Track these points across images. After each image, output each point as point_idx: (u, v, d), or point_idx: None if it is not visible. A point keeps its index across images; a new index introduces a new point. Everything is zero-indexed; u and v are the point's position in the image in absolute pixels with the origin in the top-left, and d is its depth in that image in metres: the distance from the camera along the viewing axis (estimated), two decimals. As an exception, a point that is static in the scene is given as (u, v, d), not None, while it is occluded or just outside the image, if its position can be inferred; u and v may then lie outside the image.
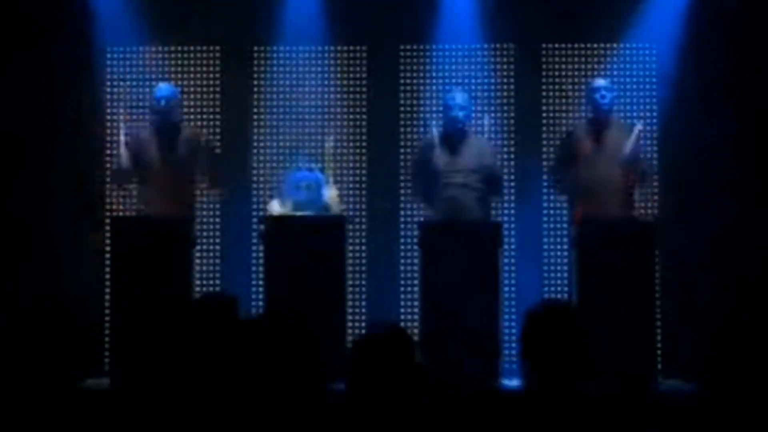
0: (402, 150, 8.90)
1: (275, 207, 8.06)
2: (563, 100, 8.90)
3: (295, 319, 3.18)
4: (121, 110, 8.52)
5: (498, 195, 8.22)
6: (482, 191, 8.00)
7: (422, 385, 3.23)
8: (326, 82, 8.90)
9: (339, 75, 8.95)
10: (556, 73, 8.95)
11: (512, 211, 8.83)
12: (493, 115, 8.82)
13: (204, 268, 8.76)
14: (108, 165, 8.77)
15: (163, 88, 8.13)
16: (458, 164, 7.97)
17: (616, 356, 7.15)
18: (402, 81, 9.00)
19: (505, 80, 8.98)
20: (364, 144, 8.96)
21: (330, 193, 8.03)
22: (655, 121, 8.86)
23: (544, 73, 8.96)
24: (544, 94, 8.95)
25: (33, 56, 8.73)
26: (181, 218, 7.80)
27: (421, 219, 8.18)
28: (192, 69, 8.98)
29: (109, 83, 8.92)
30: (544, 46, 8.96)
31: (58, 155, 8.77)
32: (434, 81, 8.92)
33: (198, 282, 8.32)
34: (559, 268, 8.79)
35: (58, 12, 8.77)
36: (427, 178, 8.01)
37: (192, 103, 8.91)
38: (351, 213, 8.75)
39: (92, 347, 8.09)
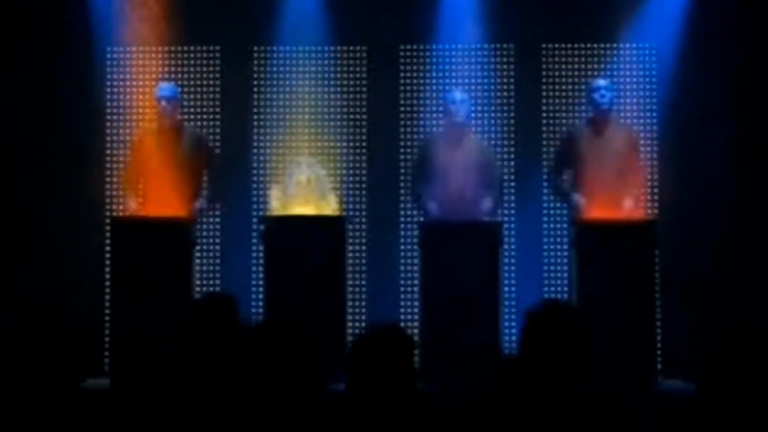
0: (402, 150, 8.90)
1: (275, 195, 8.05)
2: (563, 100, 8.90)
3: (294, 319, 3.18)
4: None
5: (497, 195, 8.19)
6: (481, 189, 8.01)
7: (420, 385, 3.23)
8: (326, 82, 8.89)
9: (339, 75, 8.94)
10: (556, 73, 8.94)
11: (512, 211, 8.83)
12: (493, 115, 8.86)
13: (204, 268, 8.76)
14: (108, 165, 8.80)
15: (164, 88, 8.13)
16: (458, 161, 7.98)
17: (616, 356, 7.15)
18: (402, 81, 9.00)
19: (505, 80, 8.98)
20: (364, 144, 8.96)
21: (329, 200, 8.05)
22: (655, 121, 8.87)
23: (544, 73, 8.96)
24: (544, 94, 8.95)
25: (33, 56, 8.72)
26: (182, 218, 7.80)
27: (421, 219, 8.18)
28: (192, 69, 8.98)
29: (109, 83, 8.92)
30: (544, 46, 8.96)
31: (58, 155, 8.77)
32: (434, 81, 8.92)
33: (198, 282, 8.32)
34: (559, 268, 8.79)
35: (58, 12, 8.77)
36: (427, 175, 8.02)
37: (192, 103, 8.91)
38: (351, 213, 8.75)
39: (92, 347, 8.09)
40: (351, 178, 8.90)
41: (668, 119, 8.83)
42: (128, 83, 8.87)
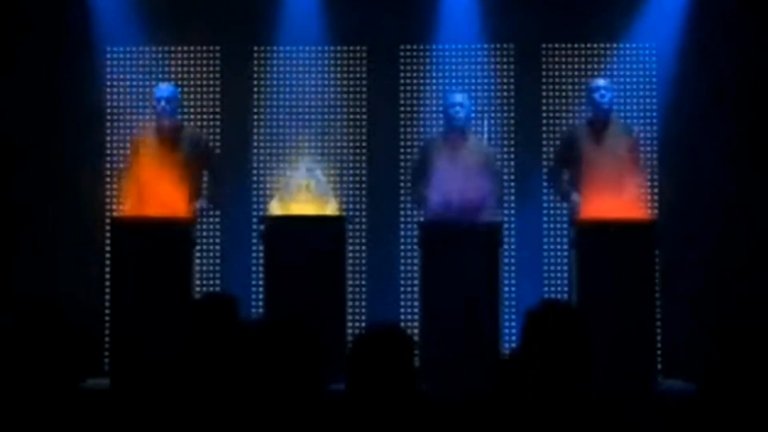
0: (402, 150, 8.90)
1: (275, 207, 8.07)
2: (563, 100, 8.90)
3: (294, 319, 3.18)
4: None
5: (498, 196, 8.17)
6: (482, 190, 8.01)
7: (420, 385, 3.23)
8: (326, 82, 8.90)
9: (339, 75, 8.94)
10: (556, 73, 8.94)
11: (512, 211, 8.83)
12: (493, 115, 8.87)
13: (204, 268, 8.76)
14: (108, 165, 8.81)
15: (164, 88, 8.13)
16: (458, 163, 7.97)
17: (616, 356, 7.14)
18: (402, 81, 9.00)
19: (505, 80, 8.98)
20: (364, 144, 8.96)
21: (329, 204, 8.05)
22: (655, 121, 8.87)
23: (544, 73, 8.96)
24: (544, 94, 8.95)
25: (33, 56, 8.73)
26: (182, 218, 7.80)
27: (421, 219, 8.18)
28: (192, 69, 8.98)
29: (109, 83, 8.92)
30: (544, 46, 8.96)
31: (58, 155, 8.77)
32: (434, 81, 8.92)
33: (198, 282, 8.32)
34: (559, 268, 8.79)
35: (58, 12, 8.77)
36: (427, 177, 8.02)
37: (192, 103, 8.91)
38: (351, 213, 8.75)
39: (92, 347, 8.09)
40: (351, 179, 8.90)
41: (668, 119, 8.82)
42: (128, 83, 8.87)
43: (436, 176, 7.96)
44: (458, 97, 8.10)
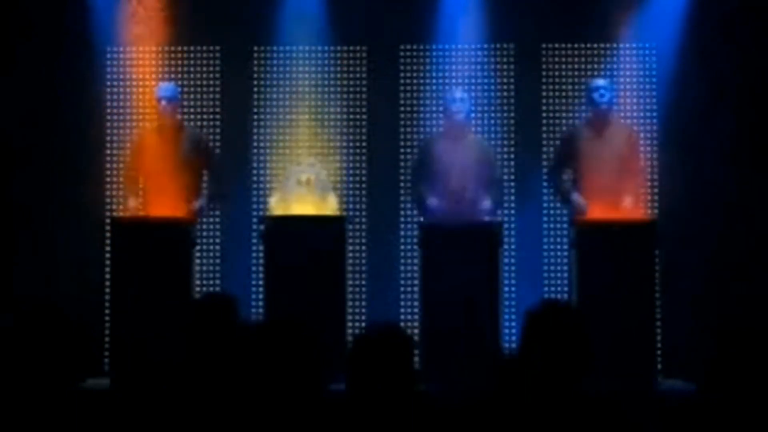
0: (402, 150, 8.90)
1: (275, 204, 8.07)
2: (563, 100, 8.90)
3: (294, 319, 3.18)
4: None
5: (497, 195, 8.17)
6: (481, 189, 8.01)
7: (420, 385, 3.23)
8: (326, 82, 8.89)
9: (339, 75, 8.94)
10: (556, 73, 8.94)
11: (512, 211, 8.83)
12: (493, 115, 8.87)
13: (204, 268, 8.76)
14: (108, 165, 8.81)
15: (165, 87, 8.13)
16: (458, 160, 7.97)
17: (616, 356, 7.15)
18: (402, 81, 9.00)
19: (505, 80, 8.98)
20: (364, 144, 8.96)
21: (329, 200, 8.05)
22: (655, 121, 8.87)
23: (544, 73, 8.96)
24: (544, 94, 8.95)
25: (33, 56, 8.72)
26: (182, 218, 7.80)
27: (421, 219, 8.18)
28: (192, 69, 8.98)
29: (109, 83, 8.92)
30: (544, 46, 8.96)
31: (58, 155, 8.77)
32: (434, 81, 8.92)
33: (198, 282, 8.33)
34: (559, 268, 8.79)
35: (58, 12, 8.77)
36: (427, 175, 8.02)
37: (192, 103, 8.91)
38: (351, 213, 8.75)
39: (92, 347, 8.09)
40: (351, 178, 8.90)
41: (668, 119, 8.82)
42: (128, 83, 8.87)
43: (436, 173, 7.97)
44: (458, 93, 8.13)
